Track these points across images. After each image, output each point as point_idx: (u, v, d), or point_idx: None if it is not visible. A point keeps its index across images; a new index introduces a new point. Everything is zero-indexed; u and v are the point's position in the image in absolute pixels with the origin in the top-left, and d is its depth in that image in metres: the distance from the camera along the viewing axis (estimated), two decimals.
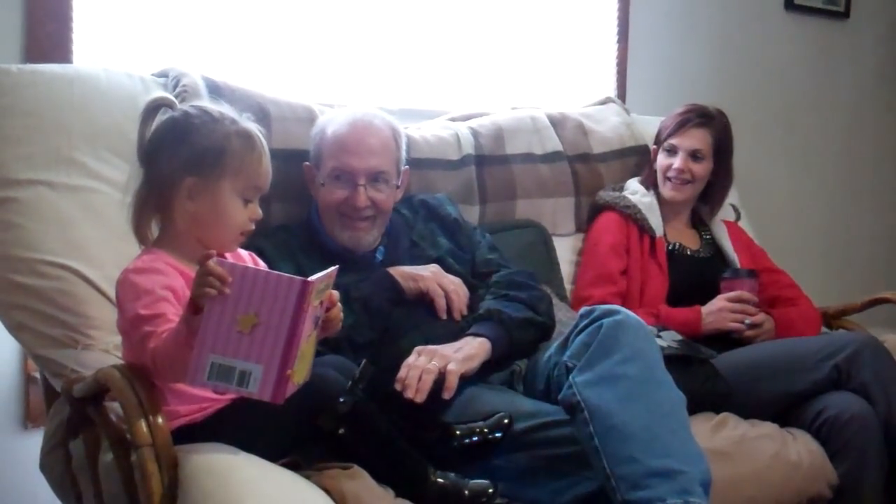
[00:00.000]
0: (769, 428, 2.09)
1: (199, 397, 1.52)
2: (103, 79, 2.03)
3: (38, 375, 1.97)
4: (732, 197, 2.82)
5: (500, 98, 2.97)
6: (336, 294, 1.49)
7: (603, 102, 3.01)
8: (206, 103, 1.63)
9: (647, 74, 3.33)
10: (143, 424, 1.38)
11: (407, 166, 2.19)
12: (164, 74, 2.16)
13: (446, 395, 1.75)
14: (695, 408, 1.90)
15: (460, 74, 2.96)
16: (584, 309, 1.80)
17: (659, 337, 2.17)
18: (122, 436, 1.52)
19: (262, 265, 1.66)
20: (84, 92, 1.98)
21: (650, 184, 2.68)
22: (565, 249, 2.69)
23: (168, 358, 1.37)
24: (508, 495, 1.67)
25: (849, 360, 2.13)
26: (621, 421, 1.60)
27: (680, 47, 3.45)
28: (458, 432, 1.68)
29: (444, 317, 2.00)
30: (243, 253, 1.68)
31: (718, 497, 1.65)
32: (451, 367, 1.77)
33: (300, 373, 1.38)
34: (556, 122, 2.78)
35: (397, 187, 2.12)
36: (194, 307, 1.32)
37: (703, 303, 2.47)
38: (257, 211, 1.59)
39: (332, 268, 1.42)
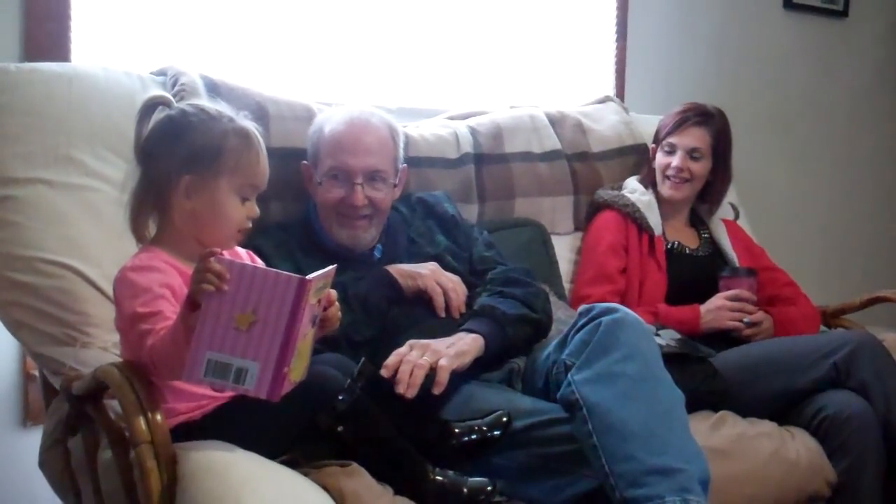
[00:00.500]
0: (768, 426, 2.10)
1: (198, 395, 1.52)
2: (102, 77, 2.03)
3: (36, 373, 1.97)
4: (731, 196, 2.83)
5: (498, 97, 2.97)
6: (334, 293, 1.49)
7: (602, 101, 3.01)
8: (204, 102, 1.63)
9: (645, 73, 3.33)
10: (141, 422, 1.38)
11: (405, 165, 2.19)
12: (162, 73, 2.16)
13: (437, 391, 1.74)
14: (693, 406, 1.91)
15: (459, 73, 2.96)
16: (582, 307, 1.80)
17: (657, 335, 2.18)
18: (120, 433, 1.52)
19: (261, 263, 1.66)
20: (82, 90, 1.98)
21: (649, 182, 2.68)
22: (564, 248, 2.69)
23: (165, 355, 1.37)
24: (507, 493, 1.67)
25: (847, 358, 2.14)
26: (620, 419, 1.60)
27: (679, 46, 3.45)
28: (457, 430, 1.68)
29: (443, 315, 2.00)
30: (241, 251, 1.68)
31: (717, 495, 1.66)
32: (442, 362, 1.76)
33: (297, 371, 1.38)
34: (555, 121, 2.78)
35: (395, 186, 2.12)
36: (192, 304, 1.32)
37: (702, 301, 2.47)
38: (255, 209, 1.59)
39: (331, 266, 1.42)
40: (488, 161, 2.59)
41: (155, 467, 1.38)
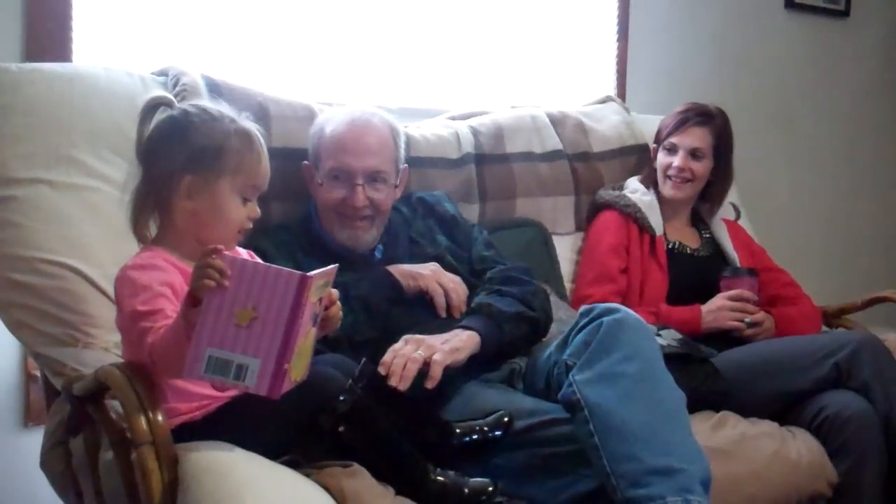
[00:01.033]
0: (769, 426, 2.10)
1: (199, 395, 1.52)
2: (103, 77, 2.03)
3: (38, 374, 1.97)
4: (732, 195, 2.82)
5: (499, 97, 2.97)
6: (335, 292, 1.49)
7: (603, 101, 3.01)
8: (206, 102, 1.64)
9: (646, 73, 3.33)
10: (143, 422, 1.38)
11: (406, 165, 2.19)
12: (163, 73, 2.16)
13: (429, 385, 1.74)
14: (694, 406, 1.91)
15: (460, 73, 2.96)
16: (583, 307, 1.80)
17: (659, 335, 2.17)
18: (122, 434, 1.52)
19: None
20: (84, 91, 1.98)
21: (650, 182, 2.68)
22: (565, 248, 2.69)
23: (166, 352, 1.37)
24: (508, 493, 1.67)
25: (849, 358, 2.14)
26: (621, 419, 1.60)
27: (680, 46, 3.44)
28: (457, 430, 1.68)
29: (444, 315, 2.00)
30: (242, 251, 1.68)
31: (718, 495, 1.65)
32: (436, 357, 1.76)
33: (298, 370, 1.38)
34: (556, 121, 2.78)
35: (396, 186, 2.12)
36: (193, 300, 1.32)
37: (703, 301, 2.47)
38: (256, 210, 1.59)
39: (332, 265, 1.42)
40: (489, 161, 2.59)
41: (156, 468, 1.38)
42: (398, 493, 1.57)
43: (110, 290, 1.69)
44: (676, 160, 2.60)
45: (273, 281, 1.31)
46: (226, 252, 1.33)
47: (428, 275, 2.03)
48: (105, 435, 1.59)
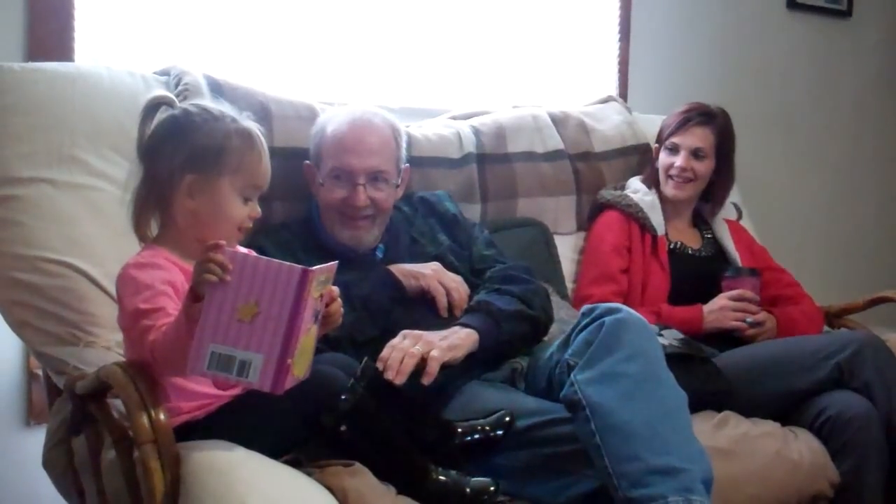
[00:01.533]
0: (771, 426, 2.10)
1: (201, 394, 1.52)
2: (105, 77, 2.03)
3: (40, 372, 1.97)
4: (734, 196, 2.82)
5: (501, 96, 2.97)
6: (336, 289, 1.49)
7: (604, 101, 3.01)
8: (207, 102, 1.64)
9: (648, 73, 3.33)
10: (145, 421, 1.39)
11: (407, 164, 2.19)
12: (165, 73, 2.16)
13: (425, 381, 1.74)
14: (696, 406, 1.90)
15: (462, 73, 2.96)
16: (585, 307, 1.80)
17: (660, 335, 2.17)
18: (124, 433, 1.52)
19: None
20: (86, 90, 1.98)
21: (652, 182, 2.68)
22: (567, 248, 2.69)
23: (168, 350, 1.37)
24: (510, 493, 1.68)
25: (851, 358, 2.14)
26: (623, 419, 1.60)
27: (682, 46, 3.44)
28: (459, 430, 1.68)
29: (446, 315, 2.00)
30: (243, 250, 1.68)
31: (720, 495, 1.66)
32: (433, 353, 1.77)
33: (300, 366, 1.38)
34: (558, 121, 2.78)
35: (397, 186, 2.12)
36: (195, 295, 1.33)
37: (705, 301, 2.47)
38: (256, 209, 1.60)
39: (333, 262, 1.42)
40: (491, 161, 2.59)
41: (158, 467, 1.38)
42: (399, 492, 1.57)
43: (112, 289, 1.69)
44: (678, 160, 2.60)
45: (274, 275, 1.31)
46: (227, 248, 1.33)
47: (429, 274, 2.03)
48: (107, 434, 1.59)
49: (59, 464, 1.80)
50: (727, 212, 2.79)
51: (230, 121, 1.57)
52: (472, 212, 2.50)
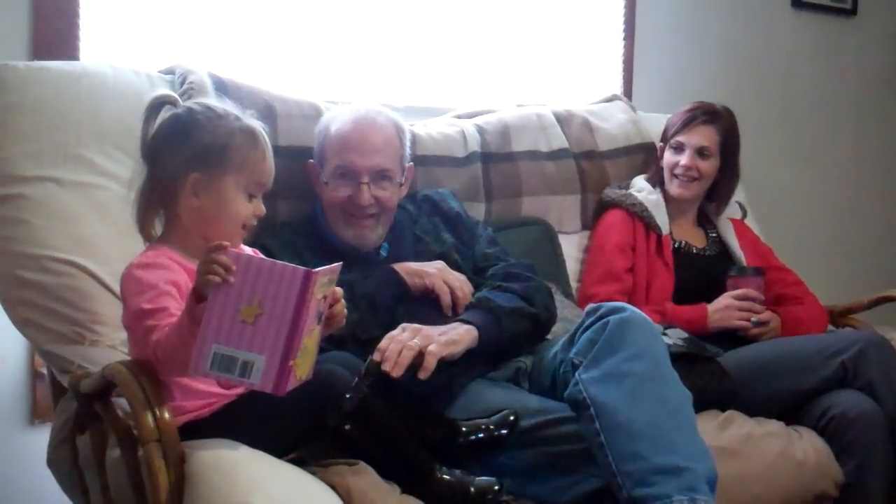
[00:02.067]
0: (775, 426, 2.09)
1: (205, 393, 1.52)
2: (110, 76, 2.03)
3: (45, 371, 1.97)
4: (739, 195, 2.82)
5: (506, 95, 2.96)
6: (340, 290, 1.50)
7: (609, 100, 3.01)
8: (210, 100, 1.64)
9: (653, 72, 3.33)
10: (149, 420, 1.39)
11: (411, 163, 2.19)
12: (170, 71, 2.16)
13: (422, 376, 1.74)
14: (701, 405, 1.90)
15: (466, 71, 2.96)
16: (590, 306, 1.80)
17: (665, 335, 2.16)
18: (129, 431, 1.52)
19: None
20: (91, 89, 1.98)
21: (656, 181, 2.68)
22: (571, 247, 2.69)
23: (171, 350, 1.38)
24: (514, 492, 1.68)
25: (855, 358, 2.14)
26: (627, 418, 1.60)
27: (686, 45, 3.44)
28: (463, 429, 1.68)
29: (450, 313, 2.00)
30: (247, 249, 1.68)
31: (724, 494, 1.66)
32: (431, 348, 1.77)
33: (304, 368, 1.38)
34: (562, 120, 2.78)
35: (401, 185, 2.12)
36: (198, 296, 1.33)
37: (710, 301, 2.47)
38: (261, 207, 1.60)
39: (336, 263, 1.42)
40: (495, 160, 2.59)
41: (163, 465, 1.38)
42: (404, 491, 1.57)
43: (117, 288, 1.69)
44: (683, 159, 2.59)
45: (278, 277, 1.32)
46: (231, 248, 1.34)
47: (434, 273, 2.03)
48: (112, 432, 1.59)
49: (63, 462, 1.80)
50: (732, 211, 2.79)
51: (234, 119, 1.58)
52: (477, 211, 2.50)
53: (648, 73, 3.32)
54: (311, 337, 1.38)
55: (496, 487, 1.59)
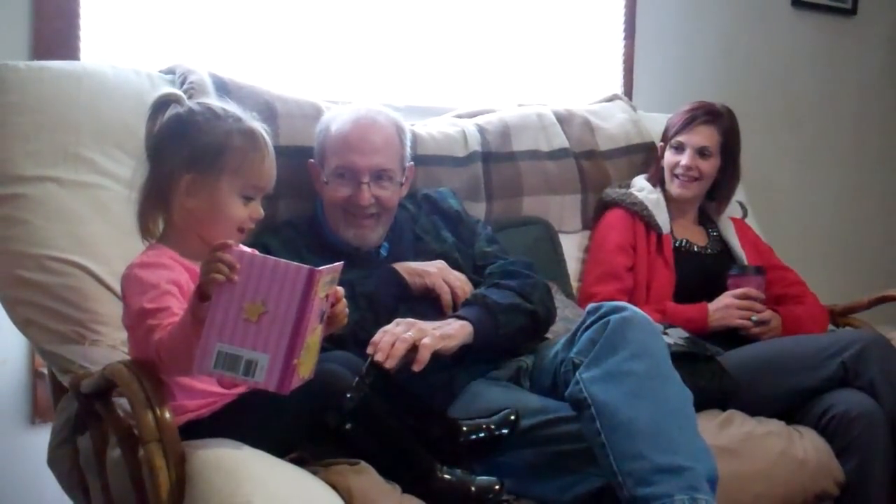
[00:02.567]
0: (776, 425, 2.09)
1: (206, 392, 1.52)
2: (111, 75, 2.03)
3: (45, 371, 1.97)
4: (739, 194, 2.82)
5: (506, 95, 2.97)
6: (341, 290, 1.49)
7: (609, 99, 3.01)
8: (213, 101, 1.63)
9: (653, 71, 3.33)
10: (150, 419, 1.39)
11: (412, 163, 2.19)
12: (171, 71, 2.16)
13: (416, 368, 1.74)
14: (701, 405, 1.90)
15: (467, 71, 2.96)
16: (590, 305, 1.80)
17: (665, 334, 2.17)
18: (129, 431, 1.52)
19: None
20: (91, 88, 1.98)
21: (657, 181, 2.68)
22: (572, 246, 2.69)
23: (173, 349, 1.37)
24: (515, 492, 1.67)
25: (856, 357, 2.14)
26: (628, 417, 1.60)
27: (686, 44, 3.44)
28: (464, 428, 1.68)
29: (450, 313, 2.00)
30: (247, 250, 1.68)
31: (725, 494, 1.65)
32: (425, 340, 1.77)
33: (306, 366, 1.38)
34: (563, 119, 2.78)
35: (401, 184, 2.12)
36: (202, 295, 1.32)
37: (710, 300, 2.47)
38: (258, 210, 1.58)
39: (339, 263, 1.42)
40: (496, 159, 2.59)
41: (164, 465, 1.38)
42: (405, 490, 1.57)
43: (118, 288, 1.69)
44: (684, 159, 2.60)
45: (282, 275, 1.31)
46: (235, 247, 1.33)
47: (434, 272, 2.03)
48: (112, 432, 1.59)
49: (63, 462, 1.80)
50: (732, 210, 2.79)
51: (233, 120, 1.57)
52: (478, 210, 2.50)
53: (649, 73, 3.32)
54: (313, 336, 1.38)
55: (497, 487, 1.59)
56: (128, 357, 1.55)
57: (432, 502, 1.57)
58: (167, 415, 1.40)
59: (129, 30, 2.39)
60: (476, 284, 2.09)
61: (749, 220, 2.89)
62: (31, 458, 2.17)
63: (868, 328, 2.52)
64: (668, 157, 2.65)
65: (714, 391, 2.09)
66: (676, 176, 2.62)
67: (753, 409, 2.12)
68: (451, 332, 1.85)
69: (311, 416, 1.52)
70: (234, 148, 1.54)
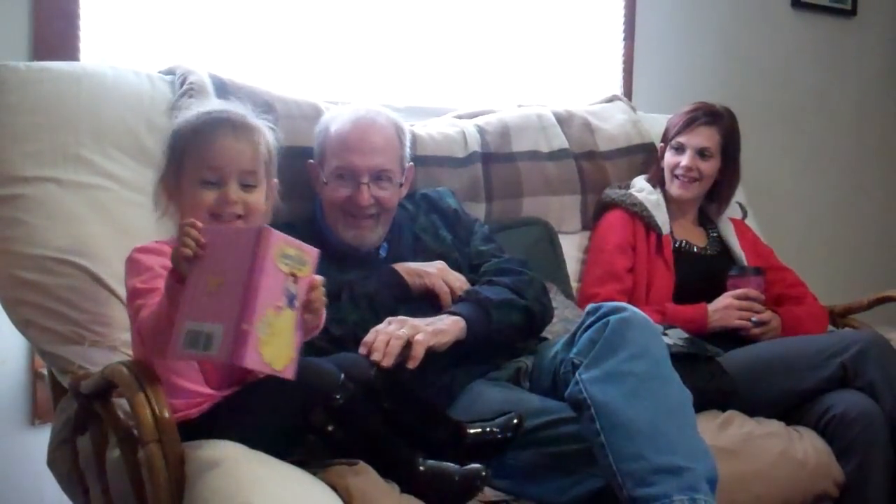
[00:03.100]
0: (775, 426, 2.09)
1: (193, 392, 1.52)
2: (110, 76, 2.03)
3: (45, 372, 1.97)
4: (739, 195, 2.82)
5: (506, 95, 2.96)
6: (319, 278, 1.45)
7: (609, 100, 3.01)
8: (207, 104, 1.67)
9: (653, 72, 3.33)
10: (150, 420, 1.39)
11: (411, 163, 2.18)
12: (171, 72, 2.16)
13: (411, 365, 1.75)
14: (701, 405, 1.90)
15: (467, 72, 2.96)
16: (590, 306, 1.80)
17: (665, 335, 2.17)
18: (129, 432, 1.52)
19: None
20: (91, 89, 1.98)
21: (657, 181, 2.68)
22: (571, 247, 2.69)
23: (152, 329, 1.39)
24: (514, 492, 1.68)
25: (855, 358, 2.13)
26: (627, 418, 1.60)
27: (686, 45, 3.44)
28: (469, 431, 1.68)
29: None
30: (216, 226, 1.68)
31: (724, 495, 1.65)
32: (418, 337, 1.77)
33: (275, 352, 1.30)
34: (563, 120, 2.78)
35: (401, 185, 2.12)
36: (176, 276, 1.34)
37: (710, 300, 2.47)
38: (227, 193, 1.58)
39: (314, 248, 1.40)
40: (496, 160, 2.59)
41: (163, 466, 1.38)
42: (403, 490, 1.57)
43: (118, 289, 1.70)
44: (684, 159, 2.60)
45: (235, 240, 1.30)
46: (204, 225, 1.33)
47: (434, 273, 2.03)
48: (112, 433, 1.59)
49: (63, 463, 1.80)
50: (732, 211, 2.79)
51: (196, 115, 1.63)
52: (478, 211, 2.50)
53: (648, 74, 3.32)
54: (280, 316, 1.31)
55: (483, 473, 1.57)
56: (128, 358, 1.55)
57: (418, 495, 1.56)
58: (167, 415, 1.40)
59: (129, 30, 2.39)
60: (473, 283, 2.09)
61: (749, 221, 2.89)
62: (30, 458, 2.17)
63: (868, 329, 2.52)
64: (669, 157, 2.65)
65: (714, 392, 2.09)
66: (676, 177, 2.62)
67: (753, 410, 2.12)
68: (444, 327, 1.86)
69: (299, 415, 1.51)
70: (184, 137, 1.61)
